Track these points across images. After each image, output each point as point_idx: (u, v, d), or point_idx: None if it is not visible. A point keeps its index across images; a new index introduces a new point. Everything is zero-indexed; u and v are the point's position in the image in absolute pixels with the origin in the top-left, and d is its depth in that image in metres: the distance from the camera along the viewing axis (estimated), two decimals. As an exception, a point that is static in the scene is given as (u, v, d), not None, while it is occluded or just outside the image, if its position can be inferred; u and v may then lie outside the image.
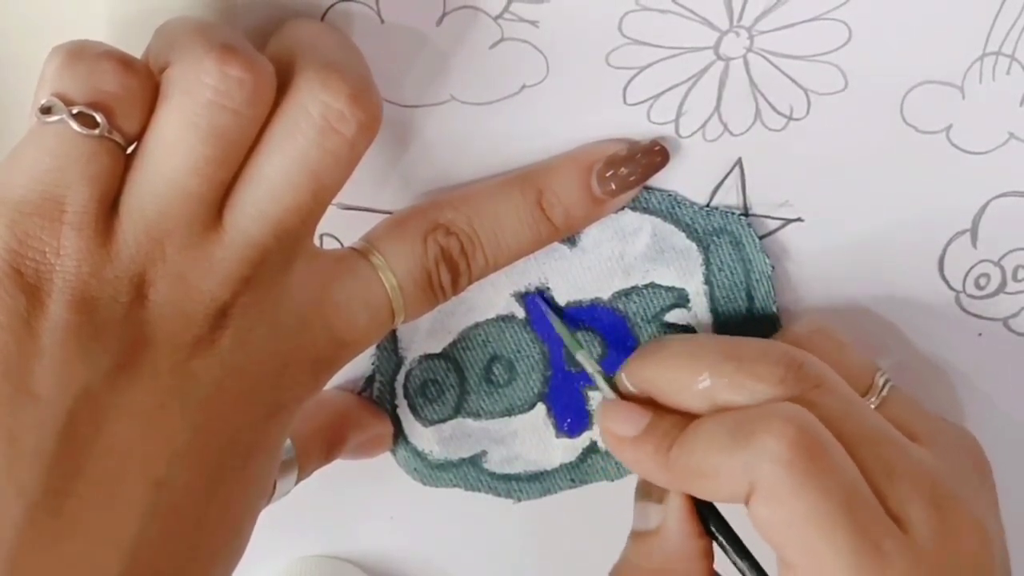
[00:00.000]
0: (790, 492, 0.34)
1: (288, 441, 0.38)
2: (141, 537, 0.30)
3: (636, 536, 0.39)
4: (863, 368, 0.40)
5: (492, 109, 0.38)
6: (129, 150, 0.31)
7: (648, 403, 0.38)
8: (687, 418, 0.37)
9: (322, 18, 0.35)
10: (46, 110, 0.30)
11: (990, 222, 0.41)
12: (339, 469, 0.41)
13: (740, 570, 0.37)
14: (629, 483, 0.45)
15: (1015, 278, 0.43)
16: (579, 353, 0.41)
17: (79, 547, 0.29)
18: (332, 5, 0.35)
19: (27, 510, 0.29)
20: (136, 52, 0.32)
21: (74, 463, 0.29)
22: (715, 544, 0.38)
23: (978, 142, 0.40)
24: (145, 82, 0.31)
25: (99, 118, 0.30)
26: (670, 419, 0.37)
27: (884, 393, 0.39)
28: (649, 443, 0.37)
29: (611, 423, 0.38)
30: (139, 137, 0.31)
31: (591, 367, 0.40)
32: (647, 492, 0.39)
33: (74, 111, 0.30)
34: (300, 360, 0.33)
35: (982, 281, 0.43)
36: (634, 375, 0.39)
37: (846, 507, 0.34)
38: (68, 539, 0.29)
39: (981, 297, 0.43)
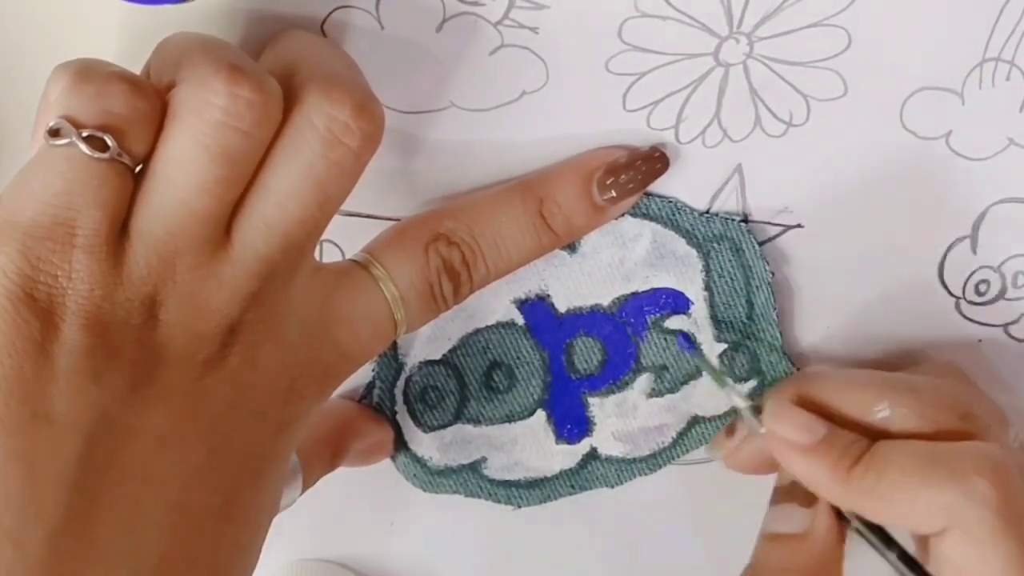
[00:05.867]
0: (993, 537, 0.35)
1: (293, 452, 0.38)
2: (160, 559, 0.30)
3: (778, 538, 0.40)
4: (1000, 420, 0.40)
5: (492, 115, 0.38)
6: (137, 170, 0.31)
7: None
8: (865, 436, 0.37)
9: (322, 23, 0.35)
10: (54, 132, 0.30)
11: (990, 228, 0.41)
12: (339, 475, 0.41)
13: None
14: (628, 489, 0.45)
15: (1015, 284, 0.43)
16: (726, 388, 0.41)
17: (100, 572, 0.29)
18: (332, 11, 0.35)
19: (50, 536, 0.29)
20: (136, 65, 0.32)
21: (94, 487, 0.29)
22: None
23: (978, 148, 0.40)
24: (153, 103, 0.30)
25: (109, 141, 0.30)
26: (850, 435, 0.37)
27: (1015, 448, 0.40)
28: (828, 456, 0.37)
29: (786, 428, 0.38)
30: (147, 158, 0.31)
31: (743, 402, 0.40)
32: (792, 495, 0.39)
33: (84, 134, 0.29)
34: (306, 374, 0.33)
35: (982, 287, 0.43)
36: (803, 400, 0.39)
37: None
38: (90, 564, 0.29)
39: (981, 303, 0.43)
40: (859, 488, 0.36)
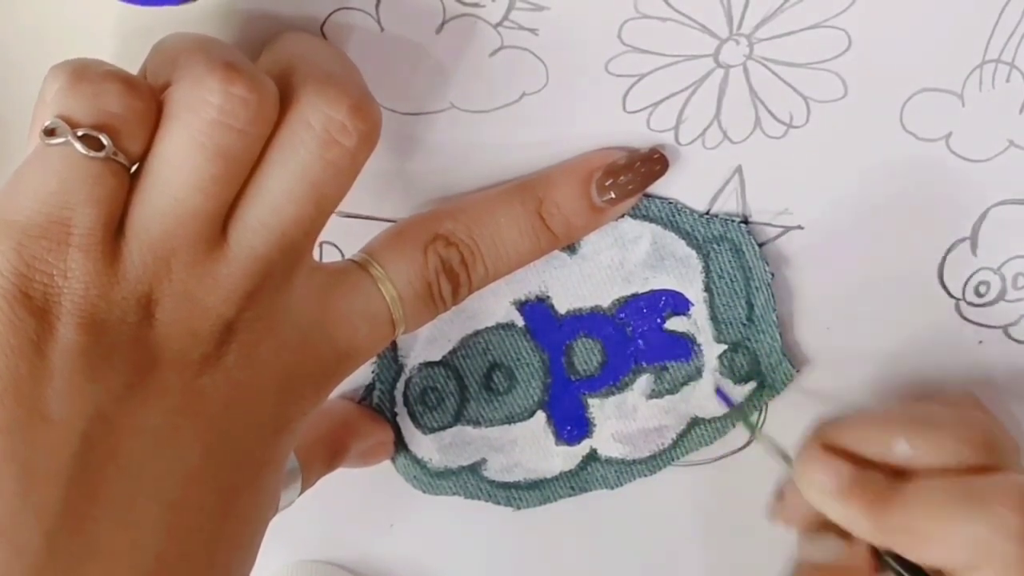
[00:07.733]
0: (1020, 572, 0.35)
1: (291, 452, 0.38)
2: (158, 558, 0.30)
3: (818, 568, 0.40)
4: (1016, 448, 0.40)
5: (492, 117, 0.38)
6: (132, 169, 0.31)
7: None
8: (893, 475, 0.38)
9: (322, 25, 0.35)
10: (50, 132, 0.30)
11: (990, 229, 0.41)
12: (339, 476, 0.41)
13: None
14: (628, 491, 0.45)
15: (1015, 285, 0.43)
16: (762, 441, 0.42)
17: (97, 570, 0.29)
18: (331, 13, 0.35)
19: (46, 535, 0.29)
20: (134, 66, 0.32)
21: (90, 486, 0.29)
22: None
23: (978, 150, 0.40)
24: (149, 102, 0.31)
25: (105, 140, 0.30)
26: (877, 474, 0.38)
27: None
28: (860, 497, 0.38)
29: (814, 473, 0.38)
30: (143, 157, 0.31)
31: (780, 455, 0.41)
32: (828, 525, 0.40)
33: (79, 133, 0.29)
34: (304, 374, 0.33)
35: (982, 289, 0.43)
36: (829, 446, 0.39)
37: None
38: (87, 563, 0.29)
39: (981, 305, 0.43)
40: (892, 526, 0.37)
